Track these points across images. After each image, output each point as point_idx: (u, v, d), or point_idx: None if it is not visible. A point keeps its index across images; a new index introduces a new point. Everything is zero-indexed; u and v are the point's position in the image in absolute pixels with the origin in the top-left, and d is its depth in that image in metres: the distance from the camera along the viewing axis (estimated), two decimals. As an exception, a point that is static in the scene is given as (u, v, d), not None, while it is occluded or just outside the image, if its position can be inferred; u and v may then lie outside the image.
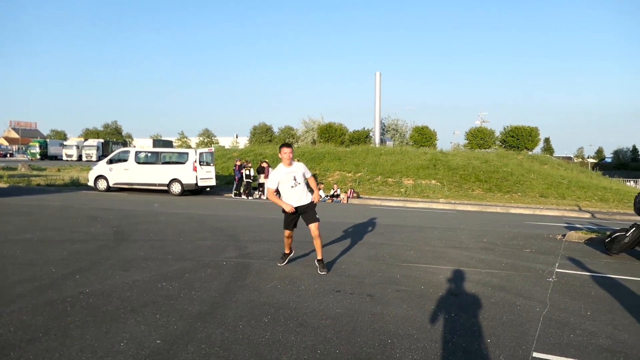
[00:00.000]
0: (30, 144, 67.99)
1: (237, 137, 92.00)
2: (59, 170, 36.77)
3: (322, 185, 22.93)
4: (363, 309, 5.21)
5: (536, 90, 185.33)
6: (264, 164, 22.30)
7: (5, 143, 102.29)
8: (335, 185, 24.07)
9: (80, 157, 61.07)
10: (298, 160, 7.43)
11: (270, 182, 6.75)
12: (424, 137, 39.99)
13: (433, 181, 25.60)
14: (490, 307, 5.44)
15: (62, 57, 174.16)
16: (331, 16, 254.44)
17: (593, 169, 40.14)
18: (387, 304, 5.44)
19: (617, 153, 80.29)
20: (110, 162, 22.14)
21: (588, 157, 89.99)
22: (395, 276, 6.80)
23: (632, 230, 8.57)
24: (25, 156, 68.85)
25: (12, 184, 23.86)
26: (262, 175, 22.02)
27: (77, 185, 24.47)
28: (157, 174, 21.57)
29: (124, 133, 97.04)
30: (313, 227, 6.76)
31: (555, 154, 66.77)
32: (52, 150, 65.75)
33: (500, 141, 40.04)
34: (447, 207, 20.94)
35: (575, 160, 74.44)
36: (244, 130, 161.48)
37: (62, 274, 6.32)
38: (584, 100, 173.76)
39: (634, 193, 22.47)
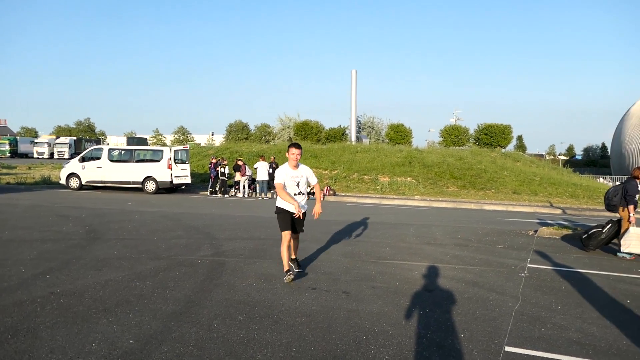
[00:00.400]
0: (0, 141, 66.15)
1: (212, 135, 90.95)
2: (29, 168, 35.91)
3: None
4: (338, 306, 5.23)
5: (509, 88, 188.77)
6: (240, 162, 22.18)
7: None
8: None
9: (52, 155, 59.61)
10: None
11: (278, 178, 6.42)
12: (399, 134, 40.29)
13: (408, 178, 25.82)
14: (464, 302, 5.53)
15: (32, 53, 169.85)
16: (307, 14, 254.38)
17: (564, 166, 41.08)
18: (363, 300, 5.47)
19: (587, 150, 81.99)
20: (83, 160, 21.71)
21: (559, 155, 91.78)
22: (370, 273, 6.85)
23: (608, 227, 8.82)
24: (-7, 154, 67.01)
25: (-21, 183, 23.21)
26: (238, 173, 21.89)
27: (48, 183, 23.95)
28: (131, 172, 21.23)
29: (97, 130, 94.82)
30: (297, 234, 6.70)
31: (528, 151, 67.84)
32: (22, 148, 64.03)
33: (474, 139, 40.56)
34: (422, 204, 21.15)
35: (547, 158, 75.81)
36: (219, 128, 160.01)
37: (32, 274, 6.19)
38: (556, 98, 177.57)
39: (604, 189, 23.04)
